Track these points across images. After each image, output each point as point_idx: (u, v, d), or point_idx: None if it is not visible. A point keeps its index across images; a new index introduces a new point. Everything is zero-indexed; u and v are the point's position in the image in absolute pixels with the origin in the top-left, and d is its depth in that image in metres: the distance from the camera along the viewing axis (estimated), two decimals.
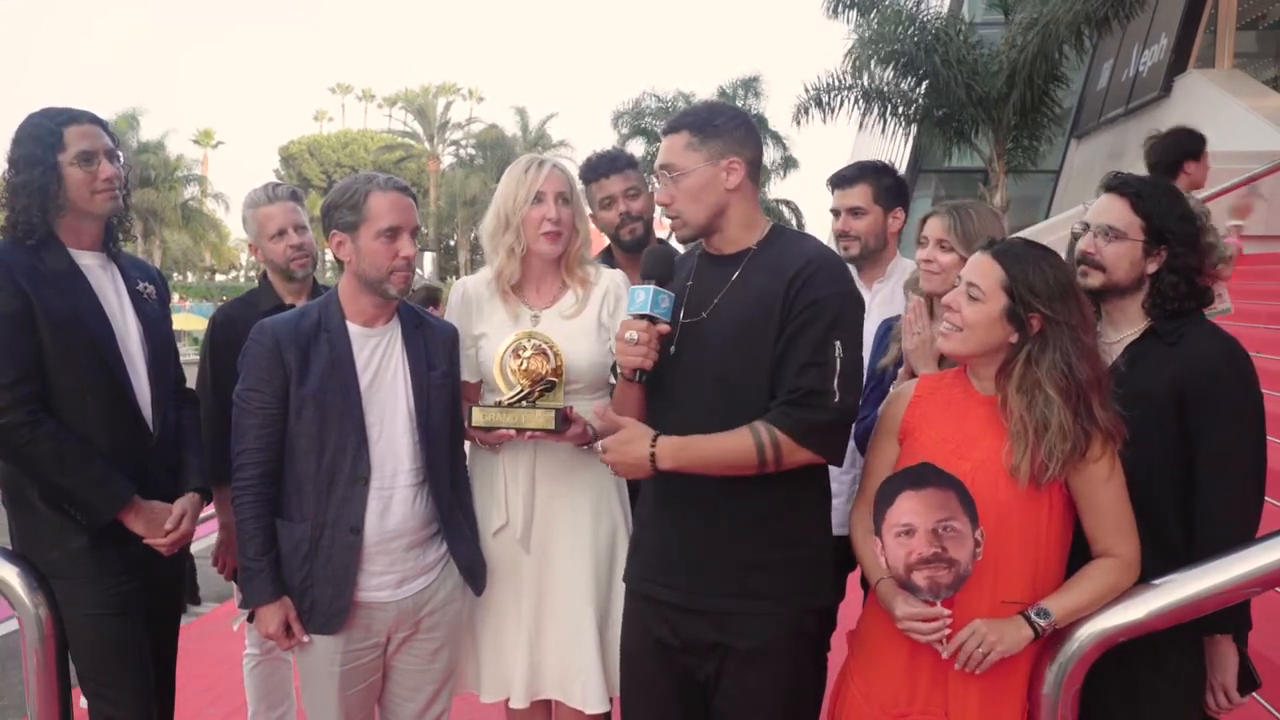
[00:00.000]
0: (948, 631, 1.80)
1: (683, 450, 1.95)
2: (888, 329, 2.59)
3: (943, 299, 2.02)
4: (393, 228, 2.21)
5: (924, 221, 2.44)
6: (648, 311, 1.98)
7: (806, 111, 13.91)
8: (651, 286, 1.99)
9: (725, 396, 1.99)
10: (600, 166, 2.94)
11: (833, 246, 2.49)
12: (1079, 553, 1.90)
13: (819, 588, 2.07)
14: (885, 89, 13.20)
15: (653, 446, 1.95)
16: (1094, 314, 1.99)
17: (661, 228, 2.83)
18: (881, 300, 2.83)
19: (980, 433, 1.90)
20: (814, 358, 1.92)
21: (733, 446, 1.92)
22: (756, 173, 2.11)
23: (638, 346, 1.98)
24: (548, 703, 2.47)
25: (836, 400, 1.91)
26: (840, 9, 13.45)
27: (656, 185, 2.15)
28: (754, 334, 1.98)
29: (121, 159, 2.41)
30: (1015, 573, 1.85)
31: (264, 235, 2.97)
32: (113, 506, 2.30)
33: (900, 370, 2.39)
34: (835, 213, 2.89)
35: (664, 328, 2.00)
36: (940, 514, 1.78)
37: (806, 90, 13.81)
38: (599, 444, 1.99)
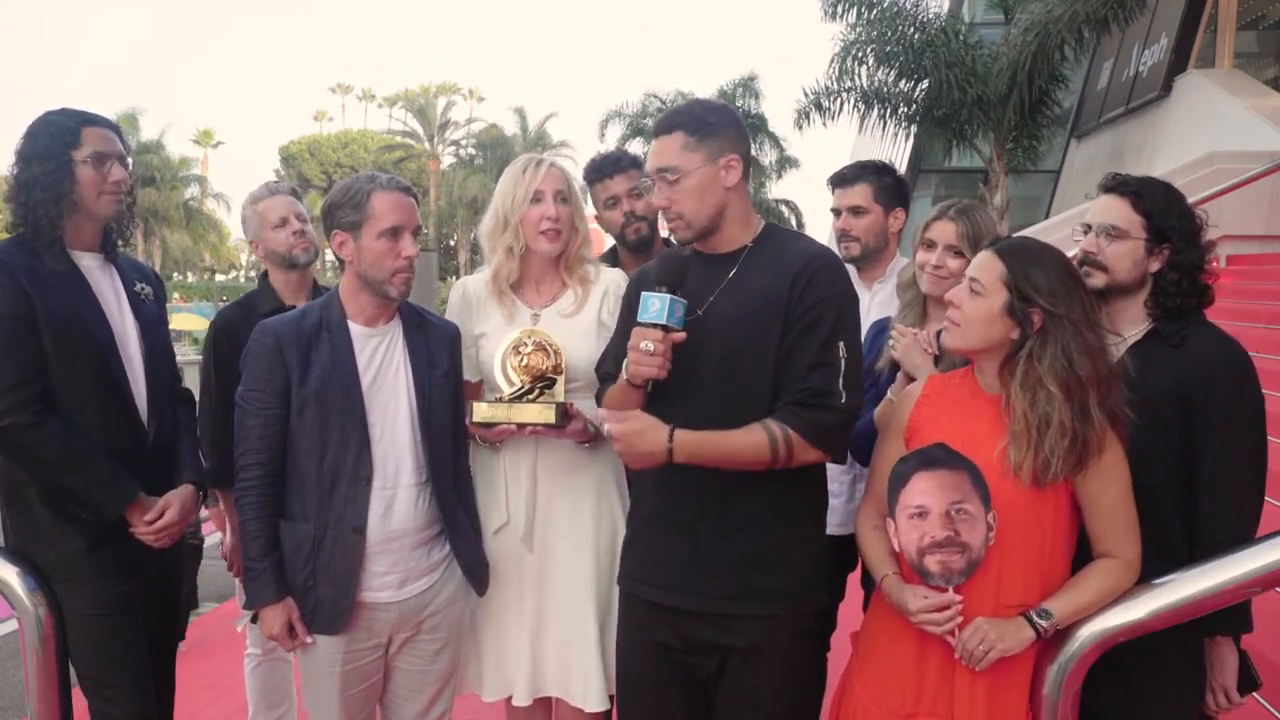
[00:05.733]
0: (960, 620, 1.80)
1: (700, 444, 1.92)
2: (879, 330, 2.55)
3: (946, 294, 2.01)
4: (395, 227, 2.21)
5: (929, 224, 2.40)
6: (663, 321, 1.92)
7: (807, 116, 13.86)
8: (666, 295, 1.93)
9: (723, 394, 1.98)
10: (604, 167, 2.94)
11: (833, 246, 2.48)
12: (1079, 553, 1.90)
13: (819, 587, 2.07)
14: (884, 90, 13.16)
15: (670, 441, 1.90)
16: (1100, 312, 1.98)
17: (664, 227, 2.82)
18: (882, 301, 2.81)
19: (988, 432, 1.89)
20: (820, 358, 1.94)
21: (749, 443, 1.91)
22: (749, 169, 2.11)
23: (653, 357, 1.91)
24: (548, 701, 2.47)
25: (843, 401, 1.94)
26: (840, 11, 13.39)
27: (649, 187, 2.10)
28: (757, 332, 1.98)
29: (130, 166, 2.43)
30: (1021, 572, 1.85)
31: (266, 226, 3.02)
32: (121, 503, 2.30)
33: (899, 375, 2.37)
34: (836, 212, 2.88)
35: (678, 336, 1.94)
36: (953, 495, 1.79)
37: (806, 95, 13.77)
38: (606, 428, 1.91)
